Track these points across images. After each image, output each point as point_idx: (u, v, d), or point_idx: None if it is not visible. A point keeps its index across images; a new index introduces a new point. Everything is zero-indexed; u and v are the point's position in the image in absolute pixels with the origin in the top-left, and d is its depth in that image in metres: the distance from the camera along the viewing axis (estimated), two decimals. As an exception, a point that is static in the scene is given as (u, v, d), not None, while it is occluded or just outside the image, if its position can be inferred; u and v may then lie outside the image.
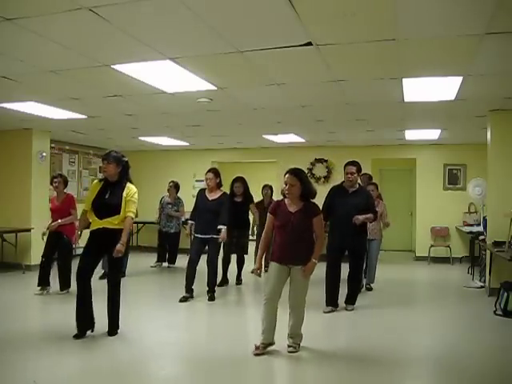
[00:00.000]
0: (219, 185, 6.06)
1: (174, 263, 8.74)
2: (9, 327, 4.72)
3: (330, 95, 5.52)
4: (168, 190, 8.74)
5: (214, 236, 5.83)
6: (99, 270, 7.29)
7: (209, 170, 6.16)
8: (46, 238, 6.26)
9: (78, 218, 5.56)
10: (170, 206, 8.62)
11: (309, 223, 3.97)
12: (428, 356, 4.07)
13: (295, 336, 4.02)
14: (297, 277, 3.94)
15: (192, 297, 5.89)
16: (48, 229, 6.21)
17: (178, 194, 8.77)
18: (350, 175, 5.37)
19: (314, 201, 4.05)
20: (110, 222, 4.30)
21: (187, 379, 3.60)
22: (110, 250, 4.25)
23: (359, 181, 5.63)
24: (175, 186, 8.71)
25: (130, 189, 4.42)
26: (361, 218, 5.20)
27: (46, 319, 5.28)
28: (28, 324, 5.05)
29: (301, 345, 4.04)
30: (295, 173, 3.99)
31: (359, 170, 5.46)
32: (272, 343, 3.95)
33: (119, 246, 4.22)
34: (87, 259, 4.33)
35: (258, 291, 6.51)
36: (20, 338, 4.33)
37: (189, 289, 5.87)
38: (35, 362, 3.76)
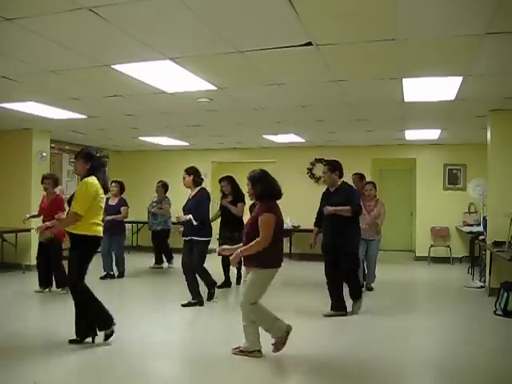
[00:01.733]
0: (195, 182, 5.78)
1: (170, 262, 8.69)
2: (9, 327, 4.72)
3: (330, 95, 5.52)
4: (156, 190, 8.75)
5: (194, 238, 5.59)
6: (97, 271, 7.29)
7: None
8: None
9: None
10: (154, 204, 8.66)
11: (256, 225, 3.78)
12: (428, 356, 4.07)
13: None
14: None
15: (198, 303, 5.63)
16: (36, 230, 6.22)
17: (172, 194, 8.80)
18: (323, 175, 5.42)
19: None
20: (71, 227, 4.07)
21: (186, 380, 3.60)
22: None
23: (337, 179, 5.31)
24: (163, 186, 8.72)
25: (82, 182, 4.10)
26: (331, 208, 5.12)
27: (46, 319, 5.28)
28: (28, 324, 5.05)
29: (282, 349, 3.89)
30: (248, 176, 4.00)
31: (333, 168, 5.30)
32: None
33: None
34: None
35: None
36: (20, 338, 4.34)
37: (195, 295, 5.64)
38: (35, 362, 3.76)
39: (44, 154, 8.45)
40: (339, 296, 5.22)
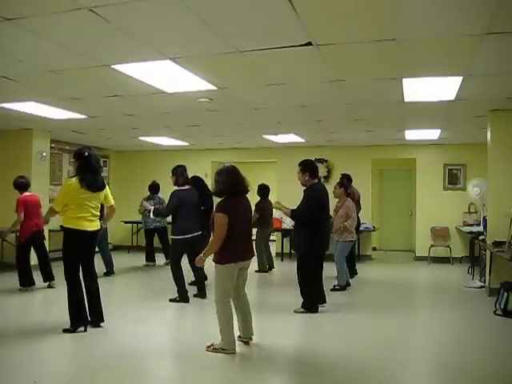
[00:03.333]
0: (175, 182, 6.01)
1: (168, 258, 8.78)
2: (9, 327, 4.72)
3: (330, 95, 5.52)
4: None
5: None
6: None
7: None
8: None
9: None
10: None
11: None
12: (428, 356, 4.07)
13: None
14: None
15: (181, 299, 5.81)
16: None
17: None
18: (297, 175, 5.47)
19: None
20: None
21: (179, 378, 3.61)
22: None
23: (308, 180, 5.35)
24: (151, 186, 8.99)
25: (63, 182, 4.50)
26: (278, 205, 5.35)
27: (46, 318, 5.27)
28: (28, 324, 5.05)
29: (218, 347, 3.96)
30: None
31: (304, 169, 5.35)
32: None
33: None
34: None
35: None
36: (20, 338, 4.34)
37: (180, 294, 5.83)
38: (35, 360, 3.77)
39: (44, 153, 8.45)
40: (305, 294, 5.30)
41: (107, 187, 4.73)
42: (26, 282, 6.41)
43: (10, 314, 5.46)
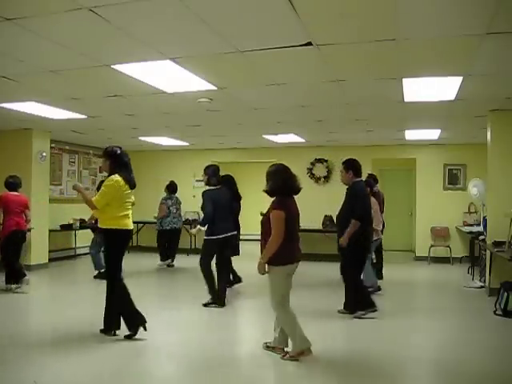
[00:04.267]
0: (207, 182, 5.91)
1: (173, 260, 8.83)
2: (9, 327, 4.72)
3: (330, 95, 5.52)
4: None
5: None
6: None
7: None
8: None
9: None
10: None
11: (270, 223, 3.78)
12: (427, 356, 4.07)
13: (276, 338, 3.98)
14: None
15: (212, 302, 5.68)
16: None
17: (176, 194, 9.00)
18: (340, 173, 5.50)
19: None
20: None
21: (189, 380, 3.60)
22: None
23: (350, 177, 5.26)
24: (167, 186, 8.99)
25: (107, 180, 4.32)
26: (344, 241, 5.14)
27: (47, 318, 5.28)
28: (28, 323, 5.05)
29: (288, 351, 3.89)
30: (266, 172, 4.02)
31: (347, 167, 5.28)
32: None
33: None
34: None
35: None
36: (21, 338, 4.34)
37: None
38: (37, 362, 3.77)
39: (44, 153, 8.45)
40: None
41: None
42: (14, 278, 6.30)
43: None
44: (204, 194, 5.78)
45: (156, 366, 3.82)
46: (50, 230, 8.64)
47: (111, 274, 4.34)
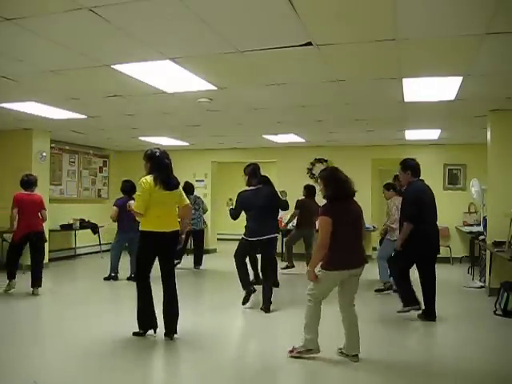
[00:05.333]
0: (248, 182, 5.69)
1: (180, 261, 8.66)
2: (9, 327, 4.73)
3: (330, 95, 5.52)
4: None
5: None
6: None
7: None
8: None
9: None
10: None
11: None
12: (427, 356, 4.07)
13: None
14: None
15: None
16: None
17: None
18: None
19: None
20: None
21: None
22: None
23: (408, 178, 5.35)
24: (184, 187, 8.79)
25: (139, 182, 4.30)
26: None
27: (48, 317, 5.28)
28: (29, 323, 5.05)
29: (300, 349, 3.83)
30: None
31: (405, 168, 5.29)
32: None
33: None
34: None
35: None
36: (21, 338, 4.34)
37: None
38: (37, 361, 3.77)
39: (44, 153, 8.45)
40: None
41: (180, 187, 4.53)
42: (8, 275, 6.21)
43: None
44: (238, 194, 5.61)
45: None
46: (50, 230, 8.63)
47: (138, 276, 4.36)
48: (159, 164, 4.29)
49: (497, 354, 4.14)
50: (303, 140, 9.34)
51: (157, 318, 4.33)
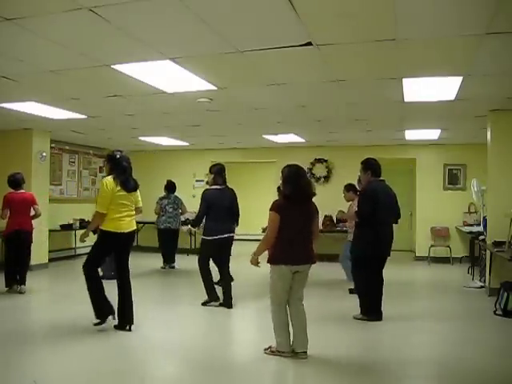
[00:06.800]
0: (213, 181, 5.78)
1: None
2: (10, 327, 4.73)
3: (330, 95, 5.52)
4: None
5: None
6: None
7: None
8: None
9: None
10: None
11: None
12: (427, 356, 4.07)
13: None
14: None
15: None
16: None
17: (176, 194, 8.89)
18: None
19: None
20: None
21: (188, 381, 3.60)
22: None
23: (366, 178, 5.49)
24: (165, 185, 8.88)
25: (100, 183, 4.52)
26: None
27: (48, 317, 5.28)
28: (28, 323, 5.05)
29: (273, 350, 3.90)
30: None
31: (364, 167, 5.51)
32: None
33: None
34: None
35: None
36: (22, 337, 4.34)
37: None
38: (37, 361, 3.77)
39: (44, 154, 8.45)
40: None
41: (138, 190, 4.70)
42: (6, 283, 6.25)
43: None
44: (202, 193, 5.76)
45: (155, 365, 3.82)
46: (50, 230, 8.64)
47: (83, 265, 4.47)
48: (117, 165, 4.51)
49: (497, 354, 4.13)
50: (303, 140, 9.34)
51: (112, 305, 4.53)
